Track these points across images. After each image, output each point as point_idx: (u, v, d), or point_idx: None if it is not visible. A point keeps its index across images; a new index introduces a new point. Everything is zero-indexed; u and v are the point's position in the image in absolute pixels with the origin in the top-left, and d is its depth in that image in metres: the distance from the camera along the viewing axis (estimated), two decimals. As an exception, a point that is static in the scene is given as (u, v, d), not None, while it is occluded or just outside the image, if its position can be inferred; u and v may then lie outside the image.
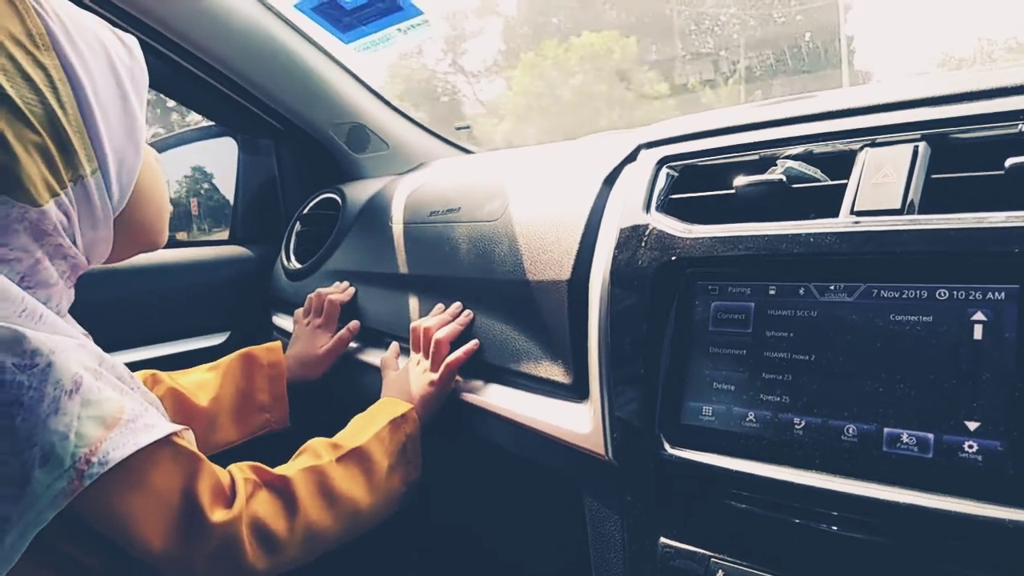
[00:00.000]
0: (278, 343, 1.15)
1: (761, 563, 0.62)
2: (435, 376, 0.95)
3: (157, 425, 0.63)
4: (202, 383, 1.06)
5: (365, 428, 0.88)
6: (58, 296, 0.66)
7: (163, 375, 1.02)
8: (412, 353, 1.02)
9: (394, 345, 1.08)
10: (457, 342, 0.98)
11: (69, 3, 0.67)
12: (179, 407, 1.01)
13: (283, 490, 0.75)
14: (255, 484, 0.73)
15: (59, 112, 0.62)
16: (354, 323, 1.20)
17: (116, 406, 0.61)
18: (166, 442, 0.64)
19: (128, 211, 0.72)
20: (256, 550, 0.69)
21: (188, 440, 0.68)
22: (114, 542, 0.61)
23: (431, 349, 0.97)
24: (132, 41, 0.73)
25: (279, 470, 0.77)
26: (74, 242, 0.67)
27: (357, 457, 0.83)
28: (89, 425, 0.58)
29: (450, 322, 1.00)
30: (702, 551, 0.65)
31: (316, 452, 0.83)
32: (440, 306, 1.04)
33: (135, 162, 0.71)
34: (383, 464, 0.85)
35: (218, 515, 0.66)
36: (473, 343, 0.97)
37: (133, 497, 0.61)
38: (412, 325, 1.03)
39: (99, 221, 0.68)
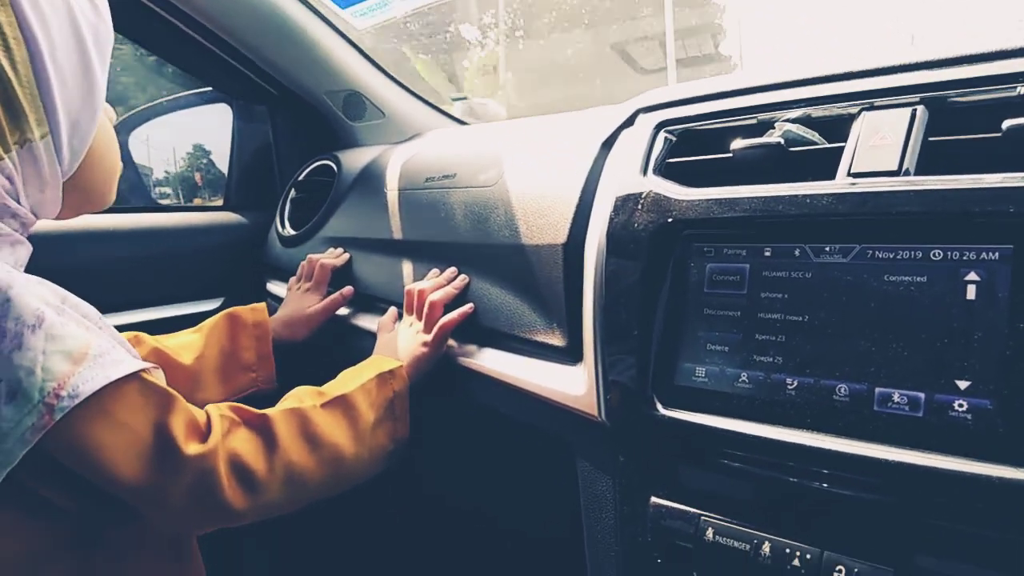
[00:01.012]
0: (263, 304, 1.15)
1: (751, 521, 0.63)
2: (428, 337, 0.95)
3: (125, 361, 0.63)
4: (186, 343, 1.06)
5: (352, 380, 0.87)
6: (9, 250, 0.65)
7: (146, 336, 1.02)
8: (405, 315, 1.02)
9: (391, 310, 1.08)
10: (452, 306, 0.98)
11: None
12: (163, 365, 1.00)
13: (262, 427, 0.74)
14: (232, 422, 0.72)
15: (10, 74, 0.60)
16: (347, 288, 1.20)
17: (82, 342, 0.60)
18: (136, 377, 0.63)
19: (78, 173, 0.70)
20: (234, 486, 0.69)
21: (158, 378, 0.68)
22: (87, 480, 0.61)
23: (424, 311, 0.97)
24: None
25: (260, 411, 0.77)
26: (18, 202, 0.65)
27: (342, 404, 0.83)
28: (56, 359, 0.57)
29: (444, 286, 1.00)
30: (693, 510, 0.66)
31: (299, 397, 0.82)
32: (435, 271, 1.04)
33: (90, 126, 0.68)
34: (368, 416, 0.84)
35: (192, 448, 0.66)
36: (468, 306, 0.97)
37: (105, 431, 0.60)
38: (407, 288, 1.03)
39: (47, 184, 0.66)
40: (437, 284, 1.01)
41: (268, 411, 0.77)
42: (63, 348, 0.58)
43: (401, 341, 0.98)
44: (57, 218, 0.73)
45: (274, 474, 0.73)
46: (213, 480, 0.67)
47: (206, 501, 0.67)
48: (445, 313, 0.97)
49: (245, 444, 0.72)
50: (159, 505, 0.65)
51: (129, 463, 0.61)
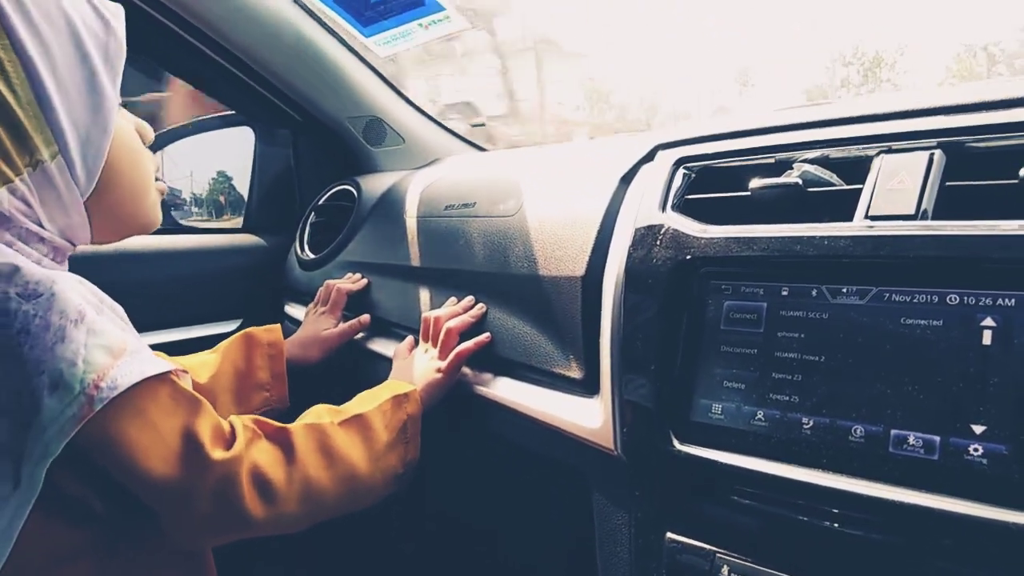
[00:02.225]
0: (278, 324, 1.16)
1: (766, 560, 0.63)
2: (442, 364, 0.96)
3: (159, 361, 0.65)
4: (202, 363, 1.07)
5: (369, 401, 0.88)
6: (48, 264, 0.67)
7: (165, 356, 1.03)
8: (421, 342, 1.03)
9: (408, 339, 1.09)
10: (469, 335, 0.99)
11: None
12: None
13: (283, 440, 0.75)
14: (255, 432, 0.73)
15: (9, 96, 0.60)
16: (365, 316, 1.22)
17: (120, 338, 0.62)
18: (167, 380, 0.65)
19: (102, 192, 0.70)
20: (254, 497, 0.70)
21: (186, 383, 0.69)
22: (116, 478, 0.62)
23: (440, 338, 0.98)
24: (114, 11, 0.70)
25: (281, 424, 0.78)
26: (42, 226, 0.65)
27: (358, 423, 0.84)
28: (97, 352, 0.59)
29: (461, 315, 1.01)
30: (708, 547, 0.66)
31: (318, 414, 0.84)
32: (453, 299, 1.06)
33: (102, 142, 0.67)
34: (383, 436, 0.85)
35: (218, 453, 0.67)
36: (484, 336, 0.98)
37: (136, 429, 0.62)
38: (423, 315, 1.04)
39: (68, 206, 0.67)
40: (454, 312, 1.02)
41: (288, 425, 0.78)
42: (104, 342, 0.60)
43: (416, 367, 0.98)
44: (99, 241, 0.74)
45: (292, 487, 0.74)
46: (236, 487, 0.68)
47: (227, 508, 0.68)
48: (461, 341, 0.98)
49: (266, 456, 0.73)
50: (183, 507, 0.66)
51: (158, 462, 0.63)
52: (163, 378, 0.65)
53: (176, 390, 0.66)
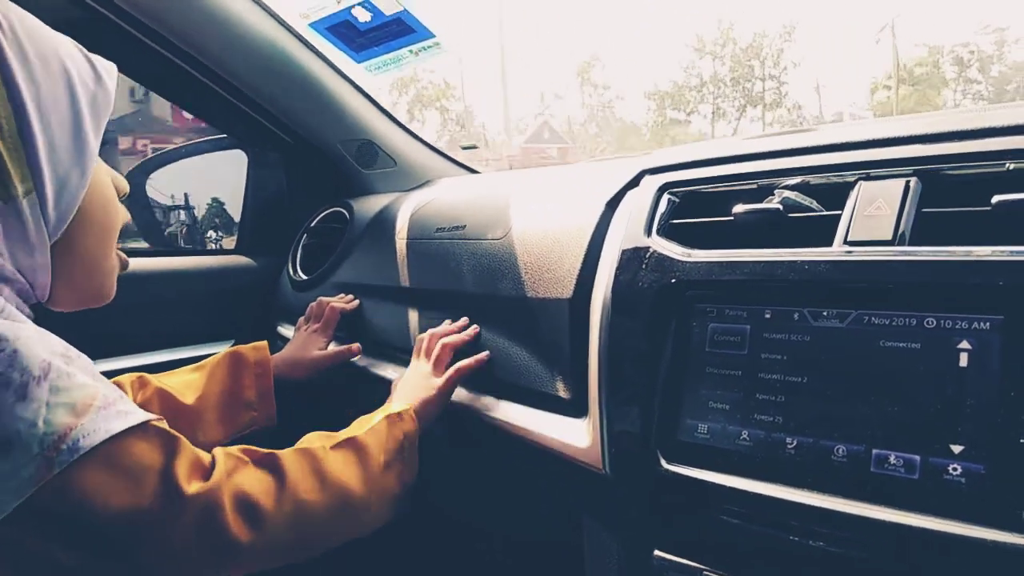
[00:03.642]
0: (264, 342, 1.16)
1: (752, 577, 0.64)
2: (439, 381, 0.96)
3: (132, 412, 0.62)
4: (188, 382, 1.07)
5: (363, 424, 0.88)
6: (13, 313, 0.63)
7: (150, 377, 1.03)
8: (414, 360, 1.03)
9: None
10: (462, 356, 1.00)
11: (34, 20, 0.66)
12: (166, 406, 1.01)
13: (271, 465, 0.74)
14: (240, 460, 0.72)
15: None
16: (356, 345, 1.22)
17: (89, 392, 0.59)
18: (140, 428, 0.62)
19: (68, 239, 0.69)
20: (240, 523, 0.67)
21: (163, 424, 0.66)
22: (84, 530, 0.59)
23: (435, 353, 0.99)
24: (107, 68, 0.71)
25: (269, 451, 0.76)
26: (5, 263, 0.64)
27: (352, 446, 0.83)
28: (59, 412, 0.57)
29: (456, 333, 1.02)
30: (695, 564, 0.67)
31: (310, 440, 0.82)
32: (447, 321, 1.07)
33: (79, 186, 0.67)
34: (379, 458, 0.84)
35: (194, 487, 0.64)
36: (484, 354, 0.99)
37: (105, 478, 0.59)
38: (419, 336, 1.04)
39: (34, 245, 0.65)
40: (449, 330, 1.03)
41: (277, 451, 0.76)
42: (67, 400, 0.58)
43: (410, 385, 0.98)
44: (54, 304, 0.72)
45: (281, 510, 0.72)
46: (217, 516, 0.66)
47: (211, 539, 0.66)
48: (456, 359, 0.99)
49: (252, 481, 0.71)
50: (161, 548, 0.63)
51: (129, 507, 0.60)
52: (135, 428, 0.62)
53: (149, 433, 0.64)
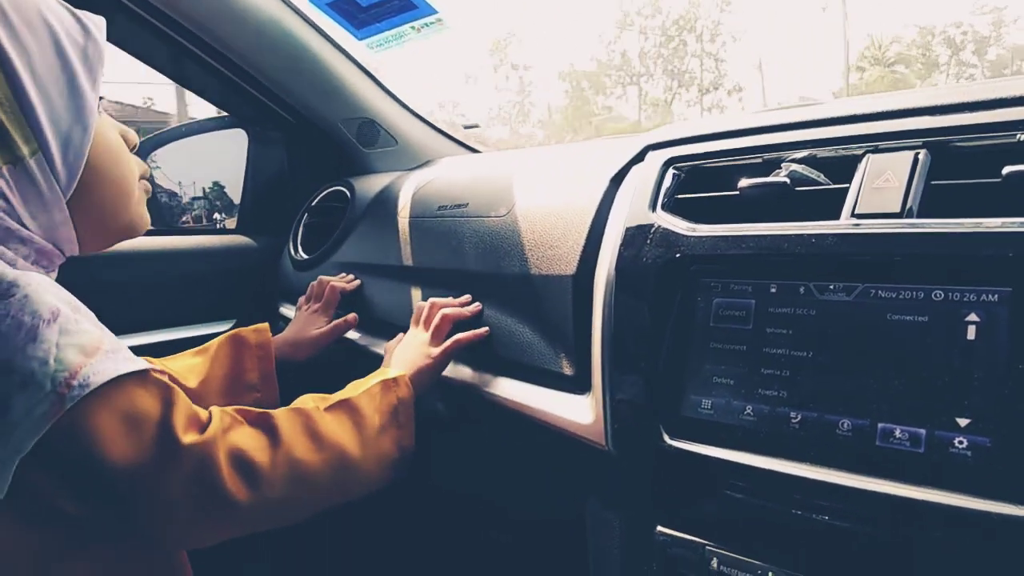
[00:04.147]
0: (266, 324, 1.16)
1: (755, 552, 0.64)
2: (435, 351, 0.96)
3: (136, 359, 0.65)
4: (191, 366, 1.07)
5: (357, 387, 0.88)
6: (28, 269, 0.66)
7: (152, 360, 1.03)
8: (412, 328, 1.03)
9: (400, 335, 1.09)
10: (462, 331, 0.99)
11: None
12: None
13: (266, 425, 0.75)
14: (235, 419, 0.73)
15: None
16: (352, 315, 1.22)
17: (95, 337, 0.62)
18: (142, 376, 0.65)
19: (84, 193, 0.71)
20: (236, 479, 0.68)
21: (164, 377, 0.69)
22: (88, 473, 0.62)
23: (434, 323, 0.99)
24: (95, 21, 0.72)
25: (263, 410, 0.77)
26: (24, 225, 0.67)
27: (345, 407, 0.83)
28: (69, 351, 0.59)
29: (457, 307, 1.02)
30: (698, 540, 0.67)
31: (303, 401, 0.83)
32: (450, 298, 1.06)
33: (83, 141, 0.69)
34: (373, 420, 0.84)
35: (190, 437, 0.66)
36: (483, 329, 0.98)
37: (108, 422, 0.61)
38: (418, 304, 1.04)
39: (49, 203, 0.68)
40: (450, 302, 1.03)
41: (271, 411, 0.77)
42: (76, 342, 0.60)
43: (406, 351, 0.98)
44: (88, 249, 0.74)
45: (277, 469, 0.72)
46: (212, 471, 0.67)
47: (205, 493, 0.66)
48: (454, 332, 0.98)
49: (247, 439, 0.72)
50: (156, 495, 0.64)
51: (127, 451, 0.62)
52: (138, 375, 0.64)
53: (150, 384, 0.66)
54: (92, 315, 0.67)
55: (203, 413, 0.71)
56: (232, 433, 0.71)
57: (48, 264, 0.71)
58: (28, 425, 0.57)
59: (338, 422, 0.81)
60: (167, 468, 0.64)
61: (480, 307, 1.02)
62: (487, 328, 0.99)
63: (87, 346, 0.61)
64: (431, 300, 1.03)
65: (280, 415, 0.77)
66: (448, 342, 0.97)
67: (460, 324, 1.01)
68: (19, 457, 0.57)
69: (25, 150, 0.64)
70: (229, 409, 0.74)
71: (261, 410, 0.76)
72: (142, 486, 0.64)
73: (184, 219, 2.19)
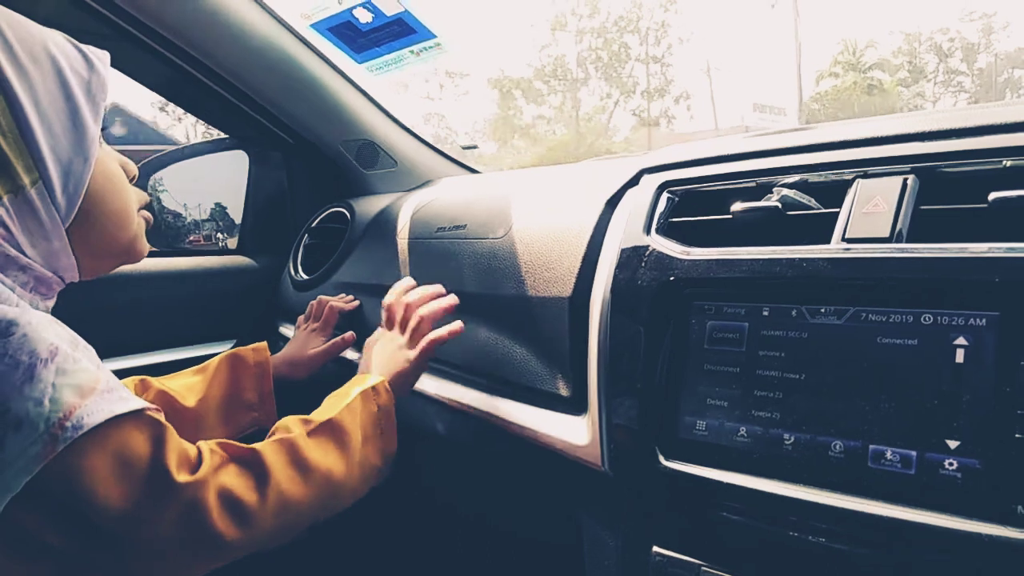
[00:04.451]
0: (264, 343, 1.17)
1: (749, 572, 0.64)
2: (412, 353, 0.95)
3: (131, 399, 0.64)
4: (190, 385, 1.07)
5: (337, 402, 0.87)
6: (25, 305, 0.66)
7: (152, 380, 1.04)
8: (385, 329, 1.02)
9: (379, 329, 1.06)
10: (438, 326, 0.98)
11: (15, 15, 0.68)
12: (167, 409, 1.01)
13: (252, 461, 0.74)
14: (223, 457, 0.72)
15: None
16: (349, 334, 1.22)
17: (92, 376, 0.62)
18: (138, 413, 0.64)
19: (84, 221, 0.72)
20: (225, 519, 0.68)
21: (159, 416, 0.68)
22: (77, 514, 0.61)
23: (411, 325, 0.97)
24: (99, 55, 0.74)
25: (250, 445, 0.76)
26: (23, 253, 0.67)
27: (329, 429, 0.82)
28: (65, 392, 0.59)
29: (429, 301, 1.00)
30: (693, 560, 0.68)
31: (287, 427, 0.82)
32: (411, 281, 1.05)
33: (83, 171, 0.70)
34: (356, 436, 0.84)
35: (182, 477, 0.66)
36: (457, 324, 0.97)
37: (100, 462, 0.61)
38: (386, 300, 1.02)
39: (49, 232, 0.69)
40: (423, 298, 1.00)
41: (256, 445, 0.76)
42: (73, 382, 0.60)
43: (384, 355, 0.97)
44: (86, 276, 0.75)
45: (266, 506, 0.72)
46: (202, 511, 0.66)
47: (195, 532, 0.66)
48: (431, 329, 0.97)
49: (236, 479, 0.71)
50: (146, 535, 0.64)
51: (118, 492, 0.62)
52: (133, 415, 0.64)
53: (143, 424, 0.65)
54: (92, 351, 0.68)
55: (192, 451, 0.70)
56: (221, 473, 0.70)
57: (47, 292, 0.72)
58: (20, 465, 0.57)
59: (323, 446, 0.81)
60: (158, 509, 0.64)
61: (456, 300, 1.00)
62: (460, 323, 0.98)
63: (83, 386, 0.61)
64: (405, 300, 1.00)
65: (266, 449, 0.76)
66: (424, 343, 0.95)
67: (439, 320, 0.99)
68: (10, 496, 0.57)
69: (26, 180, 0.66)
70: (214, 444, 0.73)
71: (247, 446, 0.75)
72: (132, 527, 0.63)
73: (193, 239, 2.20)
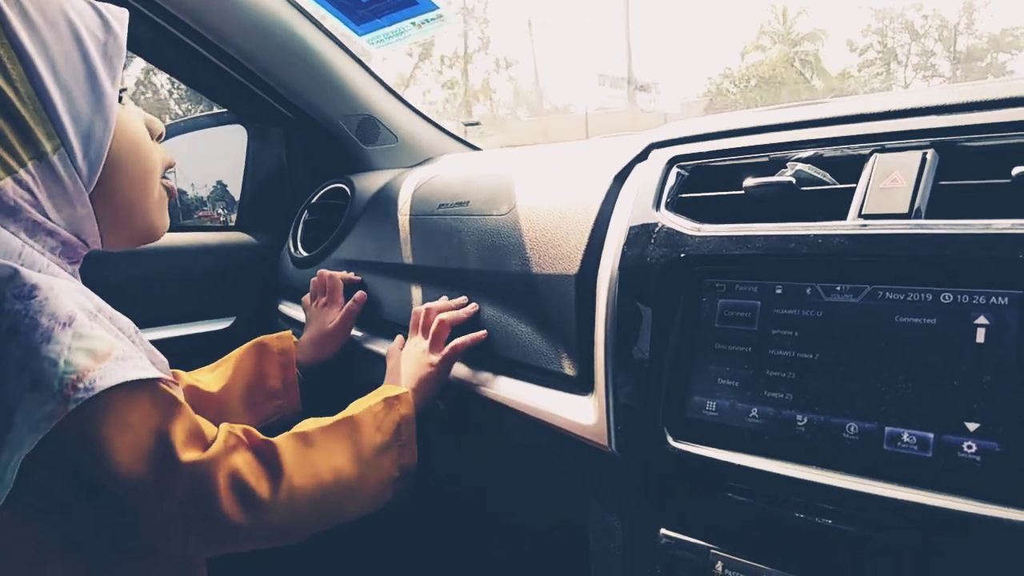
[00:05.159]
0: (289, 332, 1.16)
1: (760, 556, 0.63)
2: (435, 358, 0.96)
3: (146, 368, 0.65)
4: (216, 376, 1.08)
5: (358, 405, 0.87)
6: (55, 269, 0.68)
7: (182, 373, 1.04)
8: (411, 335, 1.02)
9: (399, 337, 1.09)
10: (461, 332, 0.98)
11: None
12: (191, 395, 1.02)
13: (267, 451, 0.74)
14: (240, 441, 0.73)
15: (10, 92, 0.64)
16: (360, 294, 1.21)
17: (107, 343, 0.63)
18: (150, 383, 0.66)
19: (106, 186, 0.72)
20: (233, 503, 0.68)
21: (175, 392, 0.70)
22: (90, 476, 0.64)
23: (432, 329, 0.98)
24: (117, 14, 0.73)
25: (267, 438, 0.77)
26: (49, 218, 0.68)
27: (347, 426, 0.83)
28: (79, 355, 0.61)
29: (454, 310, 1.01)
30: (702, 543, 0.67)
31: (306, 423, 0.83)
32: (444, 297, 1.06)
33: (104, 136, 0.71)
34: (374, 439, 0.84)
35: (189, 455, 0.67)
36: (481, 332, 0.98)
37: (111, 428, 0.63)
38: (415, 309, 1.03)
39: (73, 197, 0.70)
40: (446, 306, 1.02)
41: (274, 438, 0.77)
42: (88, 346, 0.61)
43: (408, 363, 0.98)
44: (109, 245, 0.77)
45: (276, 496, 0.72)
46: (209, 490, 0.67)
47: (201, 513, 0.67)
48: (453, 336, 0.98)
49: (248, 465, 0.72)
50: (152, 506, 0.66)
51: (127, 460, 0.63)
52: (146, 383, 0.65)
53: (157, 394, 0.67)
54: (117, 319, 0.70)
55: (210, 430, 0.71)
56: (235, 455, 0.71)
57: (73, 255, 0.73)
58: (33, 423, 0.58)
59: (338, 442, 0.81)
60: (163, 482, 0.65)
61: (477, 307, 1.01)
62: (485, 331, 0.98)
63: (98, 351, 0.62)
64: (426, 306, 1.02)
65: (281, 441, 0.77)
66: (447, 348, 0.96)
67: (459, 326, 1.00)
68: (22, 453, 0.58)
69: (48, 146, 0.66)
70: (237, 427, 0.74)
71: (265, 438, 0.76)
72: (139, 497, 0.65)
73: (200, 215, 2.18)
